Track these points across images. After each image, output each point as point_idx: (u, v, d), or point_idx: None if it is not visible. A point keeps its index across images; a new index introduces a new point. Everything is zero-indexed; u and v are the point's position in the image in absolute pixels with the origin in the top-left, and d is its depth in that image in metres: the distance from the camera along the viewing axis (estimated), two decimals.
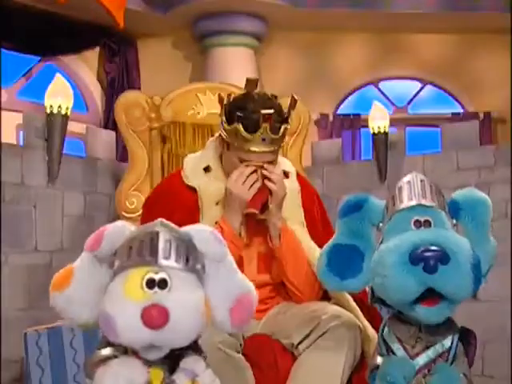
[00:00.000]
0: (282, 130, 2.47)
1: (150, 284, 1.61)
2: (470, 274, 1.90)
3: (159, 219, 1.72)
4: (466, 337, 2.06)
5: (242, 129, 2.44)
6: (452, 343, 2.02)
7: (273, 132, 2.44)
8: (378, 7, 6.60)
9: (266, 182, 2.48)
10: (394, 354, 2.02)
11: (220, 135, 2.59)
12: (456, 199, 2.09)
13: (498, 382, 4.11)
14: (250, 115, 2.45)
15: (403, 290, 1.90)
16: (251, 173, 2.48)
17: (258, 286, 2.50)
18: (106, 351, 1.71)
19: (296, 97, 2.51)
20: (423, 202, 2.02)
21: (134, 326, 1.58)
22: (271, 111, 2.42)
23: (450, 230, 2.00)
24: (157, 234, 1.67)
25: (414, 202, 2.02)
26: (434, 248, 1.88)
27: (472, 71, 6.99)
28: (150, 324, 1.57)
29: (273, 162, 2.53)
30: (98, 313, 1.65)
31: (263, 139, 2.44)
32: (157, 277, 1.62)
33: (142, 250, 1.65)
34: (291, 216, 2.57)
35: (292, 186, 2.63)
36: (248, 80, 2.54)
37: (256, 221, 2.54)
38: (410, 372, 1.98)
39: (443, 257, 1.87)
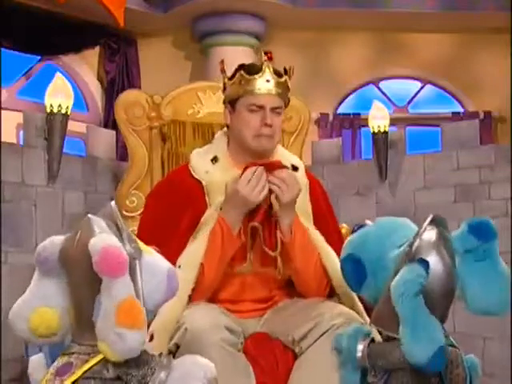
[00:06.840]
0: (284, 77, 2.53)
1: None
2: None
3: None
4: None
5: (245, 73, 2.51)
6: None
7: (276, 73, 2.52)
8: (378, 6, 6.61)
9: (271, 185, 2.43)
10: None
11: (227, 126, 2.61)
12: None
13: (498, 381, 4.09)
14: (252, 62, 2.58)
15: None
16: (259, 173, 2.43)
17: (262, 279, 2.52)
18: None
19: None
20: None
21: None
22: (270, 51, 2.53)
23: None
24: None
25: None
26: None
27: (472, 71, 6.99)
28: None
29: (279, 112, 2.54)
30: None
31: (267, 80, 2.50)
32: None
33: None
34: (300, 207, 2.54)
35: (301, 179, 2.61)
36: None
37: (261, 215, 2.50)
38: None
39: None
